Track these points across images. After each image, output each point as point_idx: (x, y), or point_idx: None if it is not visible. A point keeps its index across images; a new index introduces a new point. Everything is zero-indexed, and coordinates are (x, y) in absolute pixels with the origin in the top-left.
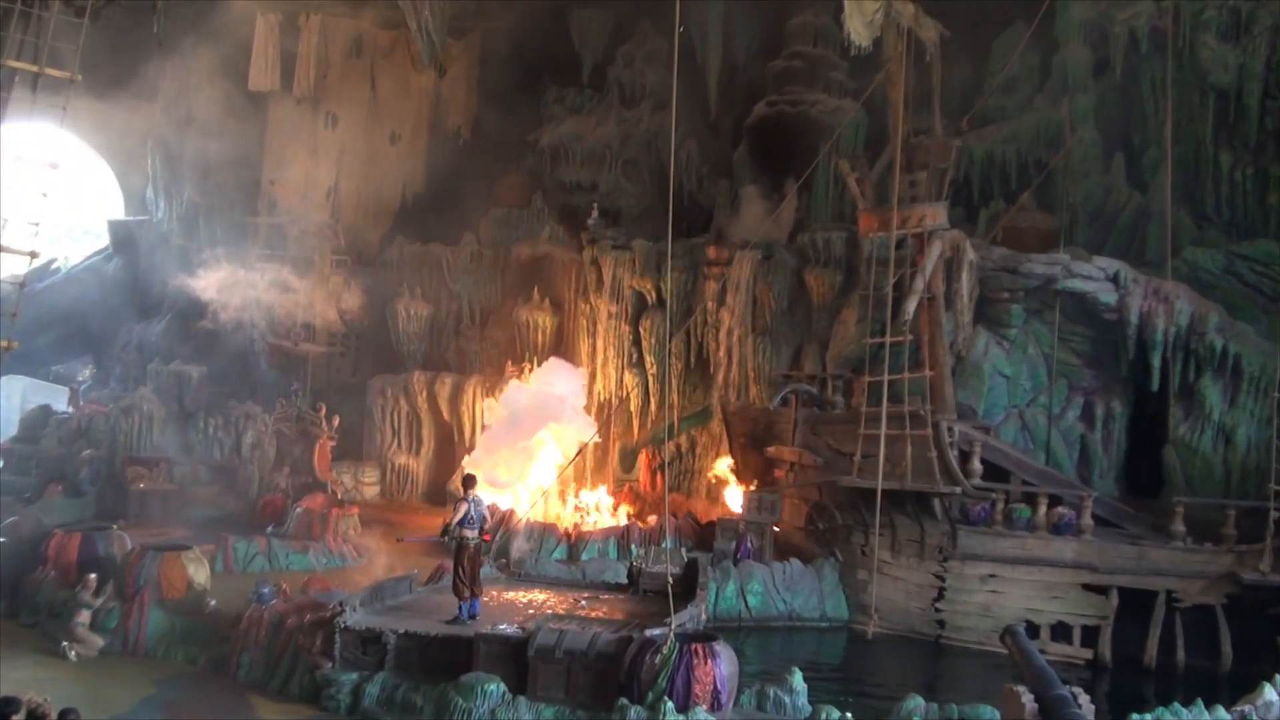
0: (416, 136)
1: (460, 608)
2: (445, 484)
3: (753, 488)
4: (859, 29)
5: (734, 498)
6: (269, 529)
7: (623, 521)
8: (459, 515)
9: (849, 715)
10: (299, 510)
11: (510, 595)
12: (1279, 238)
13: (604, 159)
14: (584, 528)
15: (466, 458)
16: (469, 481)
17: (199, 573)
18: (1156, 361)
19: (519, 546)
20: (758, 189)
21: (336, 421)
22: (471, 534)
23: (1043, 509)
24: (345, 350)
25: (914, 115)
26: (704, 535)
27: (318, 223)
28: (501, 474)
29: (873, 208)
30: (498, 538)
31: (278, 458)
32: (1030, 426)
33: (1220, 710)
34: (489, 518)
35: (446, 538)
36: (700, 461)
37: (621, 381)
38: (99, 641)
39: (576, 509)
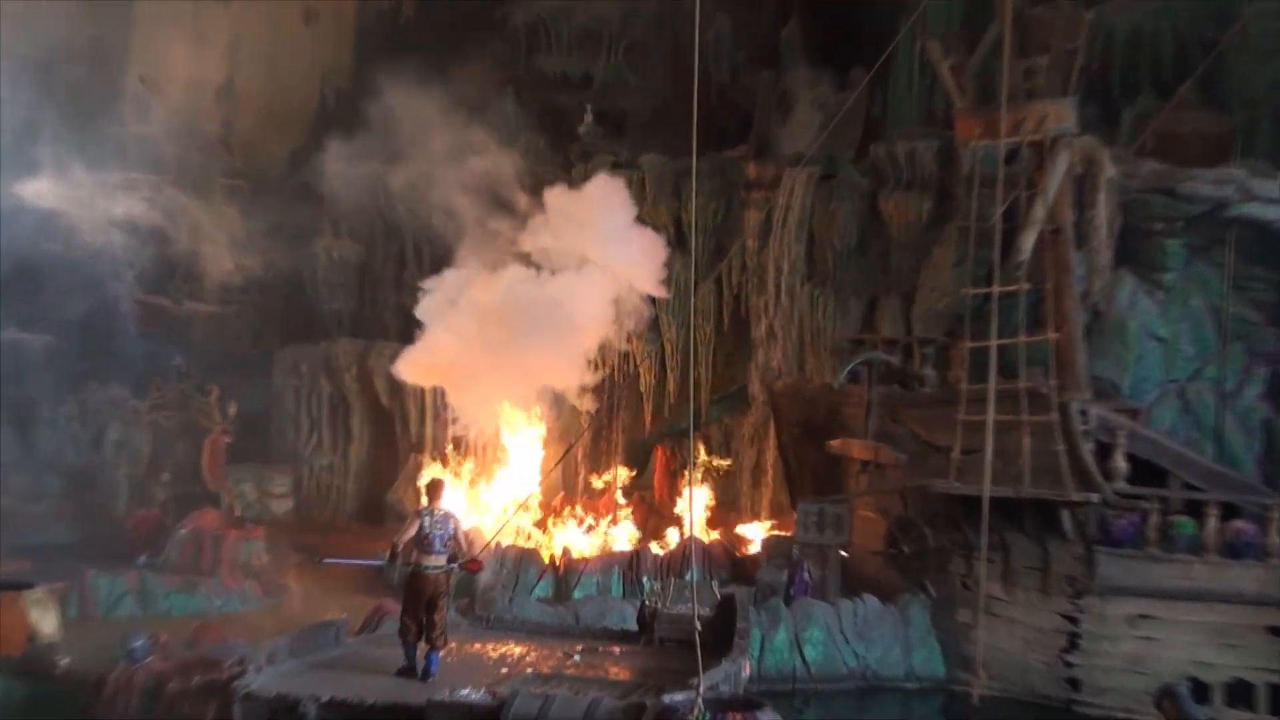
0: (339, 14)
1: (406, 652)
2: (385, 494)
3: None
4: None
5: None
6: (142, 558)
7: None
8: (409, 533)
9: None
10: (183, 532)
11: (476, 648)
12: None
13: (600, 43)
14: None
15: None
16: (434, 489)
17: (45, 620)
18: None
19: (487, 581)
20: (814, 83)
21: (233, 409)
22: (434, 562)
23: (1213, 523)
24: (244, 310)
25: None
26: (743, 563)
27: (205, 135)
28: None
29: (974, 107)
30: (457, 569)
31: (152, 460)
32: (1195, 408)
33: None
34: (466, 544)
35: (392, 563)
36: (739, 461)
37: (628, 351)
38: None
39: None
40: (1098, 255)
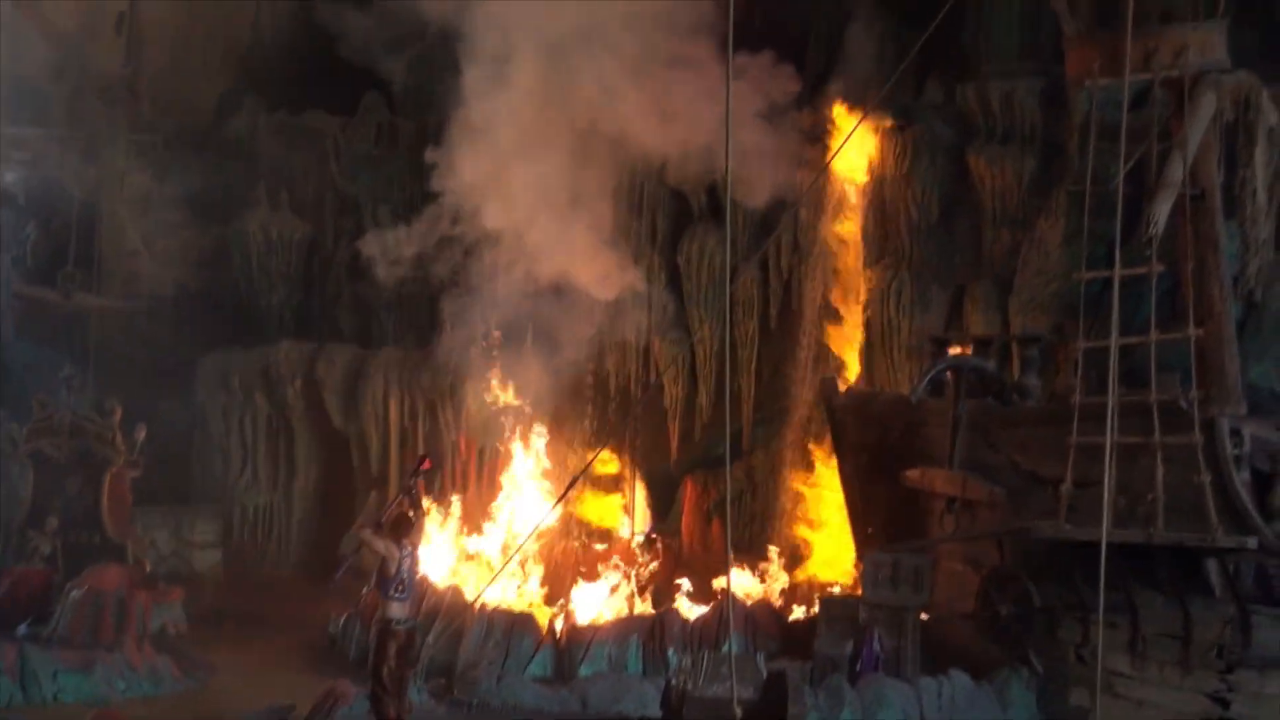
0: None
1: None
2: (338, 541)
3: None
4: None
5: None
6: (22, 628)
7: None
8: (394, 565)
9: None
10: (76, 594)
11: None
12: None
13: None
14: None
15: None
16: (402, 527)
17: None
18: None
19: (469, 655)
20: (883, 2)
21: (142, 435)
22: (407, 613)
23: None
24: (157, 305)
25: None
26: (796, 630)
27: (104, 76)
28: None
29: (1090, 34)
30: (432, 640)
31: (36, 502)
32: None
33: None
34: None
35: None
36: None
37: (648, 357)
38: None
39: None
40: (1254, 227)
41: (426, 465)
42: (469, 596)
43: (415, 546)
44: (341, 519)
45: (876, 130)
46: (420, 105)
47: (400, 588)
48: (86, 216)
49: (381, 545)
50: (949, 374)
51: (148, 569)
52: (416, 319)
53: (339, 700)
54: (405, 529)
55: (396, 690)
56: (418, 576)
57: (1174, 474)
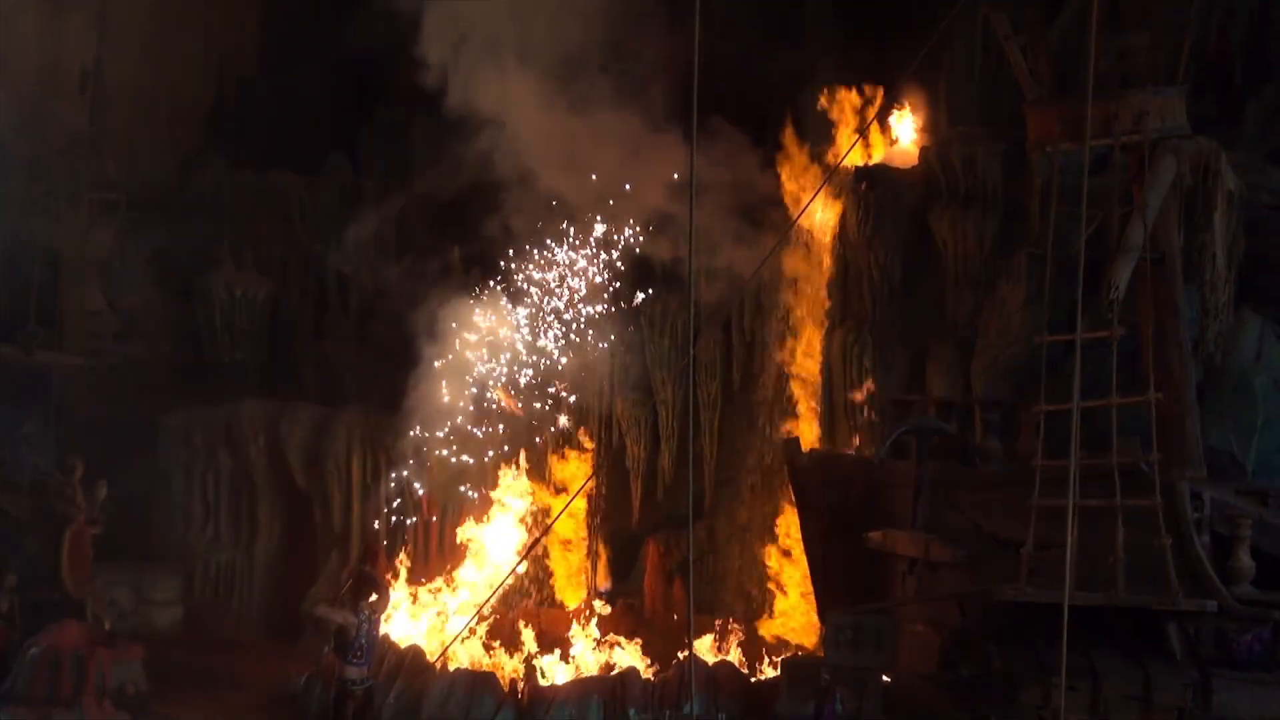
0: None
1: None
2: (301, 600)
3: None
4: None
5: None
6: None
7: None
8: (353, 631)
9: None
10: (35, 651)
11: None
12: None
13: None
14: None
15: None
16: (363, 584)
17: None
18: None
19: (431, 714)
20: (845, 65)
21: (103, 492)
22: (363, 675)
23: None
24: (119, 363)
25: None
26: (758, 692)
27: (67, 133)
28: None
29: (1051, 98)
30: (393, 699)
31: None
32: None
33: None
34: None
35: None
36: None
37: (611, 416)
38: None
39: None
40: (1214, 292)
41: (369, 565)
42: (430, 656)
43: (378, 612)
44: (304, 577)
45: (839, 192)
46: (385, 165)
47: (359, 653)
48: (48, 273)
49: (340, 616)
50: (910, 436)
51: (107, 626)
52: (380, 378)
53: None
54: (365, 591)
55: None
56: (378, 637)
57: (1135, 537)
